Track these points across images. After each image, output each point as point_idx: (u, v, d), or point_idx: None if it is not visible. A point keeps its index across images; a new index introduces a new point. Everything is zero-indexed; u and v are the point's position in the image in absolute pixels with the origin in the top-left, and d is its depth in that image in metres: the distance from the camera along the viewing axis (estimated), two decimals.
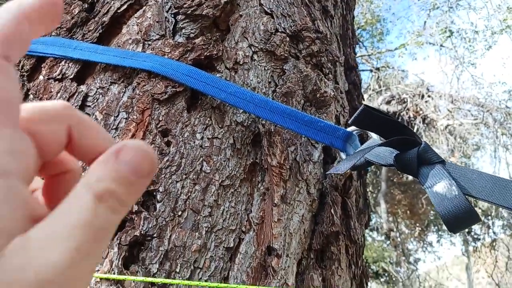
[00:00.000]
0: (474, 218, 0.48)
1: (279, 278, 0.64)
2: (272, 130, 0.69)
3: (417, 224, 8.37)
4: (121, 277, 0.54)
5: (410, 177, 8.09)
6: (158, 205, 0.60)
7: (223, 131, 0.67)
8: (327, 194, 0.76)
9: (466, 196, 0.49)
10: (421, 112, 5.52)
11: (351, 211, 0.80)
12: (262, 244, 0.65)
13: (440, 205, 0.48)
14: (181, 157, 0.63)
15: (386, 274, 8.52)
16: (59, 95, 0.64)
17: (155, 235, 0.58)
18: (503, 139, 5.59)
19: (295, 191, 0.70)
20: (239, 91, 0.64)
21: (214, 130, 0.66)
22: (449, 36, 5.31)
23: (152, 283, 0.57)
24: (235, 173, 0.66)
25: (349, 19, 1.08)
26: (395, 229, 7.54)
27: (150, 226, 0.58)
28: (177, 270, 0.58)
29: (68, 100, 0.63)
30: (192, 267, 0.59)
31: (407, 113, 5.55)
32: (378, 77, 5.88)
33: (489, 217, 7.94)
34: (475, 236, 8.79)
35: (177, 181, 0.61)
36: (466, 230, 8.76)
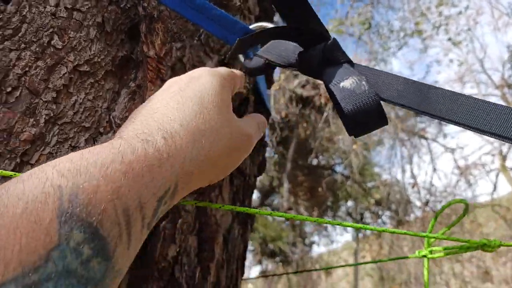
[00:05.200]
0: (382, 119, 0.40)
1: None
2: (155, 16, 0.56)
3: (315, 208, 8.78)
4: None
5: (315, 161, 8.45)
6: None
7: (89, 5, 0.52)
8: None
9: None
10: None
11: None
12: None
13: (345, 100, 0.40)
14: (23, 21, 0.47)
15: (281, 254, 8.86)
16: None
17: None
18: (401, 134, 6.02)
19: None
20: None
21: (76, 0, 0.51)
22: (368, 29, 5.53)
23: None
24: (99, 60, 0.52)
25: None
26: (294, 210, 7.83)
27: None
28: None
29: None
30: (18, 159, 0.44)
31: (319, 98, 5.71)
32: None
33: (380, 207, 8.62)
34: (366, 224, 9.50)
35: (11, 49, 0.46)
36: (359, 217, 9.42)
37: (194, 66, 0.60)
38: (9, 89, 0.45)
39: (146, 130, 0.30)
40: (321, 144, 6.96)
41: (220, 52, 0.67)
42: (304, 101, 6.29)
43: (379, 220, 8.92)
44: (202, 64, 0.62)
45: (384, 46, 5.99)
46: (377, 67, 6.22)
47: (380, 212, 8.62)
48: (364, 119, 0.38)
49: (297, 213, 8.21)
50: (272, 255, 8.95)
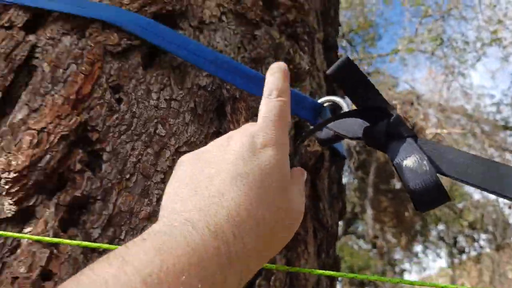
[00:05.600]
0: (443, 196, 0.43)
1: None
2: (237, 96, 0.64)
3: (404, 234, 8.35)
4: (55, 240, 0.49)
5: (398, 185, 8.09)
6: (104, 166, 0.54)
7: (183, 94, 0.62)
8: None
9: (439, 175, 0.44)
10: (410, 119, 5.53)
11: (322, 193, 0.75)
12: None
13: (408, 179, 0.43)
14: (133, 116, 0.57)
15: (371, 283, 8.48)
16: (4, 43, 0.58)
17: (98, 198, 0.53)
18: (490, 150, 5.60)
19: None
20: (201, 49, 0.59)
21: (172, 91, 0.61)
22: (440, 44, 5.32)
23: (92, 249, 0.51)
24: (195, 140, 0.61)
25: None
26: (381, 237, 7.51)
27: (93, 188, 0.53)
28: (122, 237, 0.52)
29: (13, 49, 0.58)
30: (139, 236, 0.53)
31: None
32: None
33: (475, 230, 7.96)
34: (461, 249, 8.80)
35: (126, 142, 0.56)
36: (452, 242, 8.76)
37: None
38: (127, 176, 0.55)
39: (216, 220, 0.28)
40: None
41: (295, 118, 0.73)
42: None
43: (476, 244, 8.22)
44: None
45: (460, 59, 5.70)
46: (455, 82, 5.95)
47: (475, 236, 7.95)
48: (426, 197, 0.41)
49: (384, 240, 7.87)
50: (361, 285, 8.60)
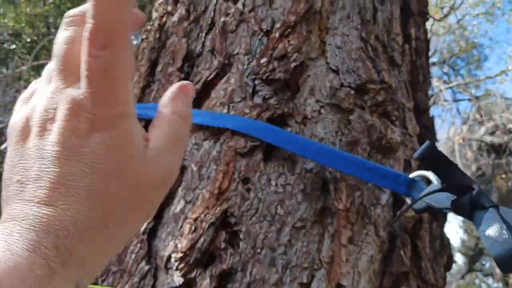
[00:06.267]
0: None
1: None
2: (338, 177, 0.77)
3: None
4: None
5: None
6: (241, 243, 0.70)
7: (294, 178, 0.77)
8: (398, 236, 0.81)
9: None
10: None
11: (423, 252, 0.83)
12: (332, 281, 0.72)
13: (491, 247, 0.52)
14: (259, 202, 0.73)
15: None
16: None
17: (239, 269, 0.69)
18: None
19: (363, 233, 0.76)
20: (306, 143, 0.74)
21: (286, 178, 0.76)
22: None
23: None
24: (306, 215, 0.75)
25: (420, 63, 1.13)
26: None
27: (235, 261, 0.69)
28: None
29: None
30: None
31: None
32: (479, 106, 5.52)
33: None
34: None
35: (256, 223, 0.72)
36: None
37: (372, 204, 0.78)
38: (258, 250, 0.70)
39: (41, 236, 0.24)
40: None
41: None
42: (497, 149, 5.67)
43: None
44: (379, 200, 0.80)
45: None
46: None
47: None
48: (507, 264, 0.48)
49: None
50: None
